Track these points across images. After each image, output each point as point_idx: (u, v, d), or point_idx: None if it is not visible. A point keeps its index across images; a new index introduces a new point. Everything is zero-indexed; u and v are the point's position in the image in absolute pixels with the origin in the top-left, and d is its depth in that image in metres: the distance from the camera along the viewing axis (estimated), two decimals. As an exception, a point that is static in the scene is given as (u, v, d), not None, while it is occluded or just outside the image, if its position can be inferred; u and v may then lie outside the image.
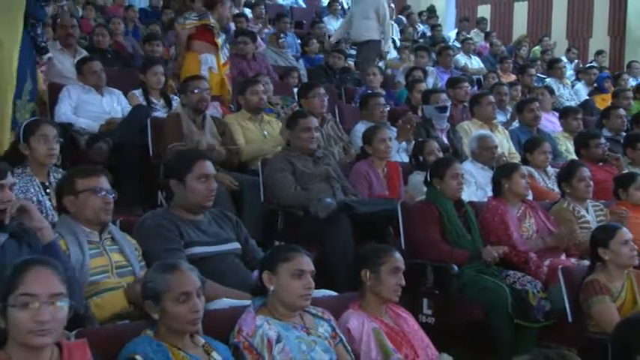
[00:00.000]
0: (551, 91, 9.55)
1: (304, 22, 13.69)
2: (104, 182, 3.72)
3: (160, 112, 6.70)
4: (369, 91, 8.32)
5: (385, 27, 10.11)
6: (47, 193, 4.37)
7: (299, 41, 11.79)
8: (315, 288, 3.41)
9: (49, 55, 6.81)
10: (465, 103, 8.17)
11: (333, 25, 12.93)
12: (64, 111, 6.44)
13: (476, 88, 10.16)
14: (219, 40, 7.47)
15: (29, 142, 4.43)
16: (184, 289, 2.95)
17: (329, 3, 14.40)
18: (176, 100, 6.88)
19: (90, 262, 3.56)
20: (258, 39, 10.17)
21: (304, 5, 15.29)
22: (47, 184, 4.43)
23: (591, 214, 5.57)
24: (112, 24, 9.74)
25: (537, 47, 15.31)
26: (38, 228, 3.34)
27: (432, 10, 16.62)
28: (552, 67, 11.68)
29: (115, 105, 6.73)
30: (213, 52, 7.41)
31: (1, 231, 3.31)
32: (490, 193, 5.59)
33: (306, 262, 3.34)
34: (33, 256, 2.98)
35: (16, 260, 2.71)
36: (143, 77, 6.96)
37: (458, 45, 13.45)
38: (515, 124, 8.02)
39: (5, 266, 2.68)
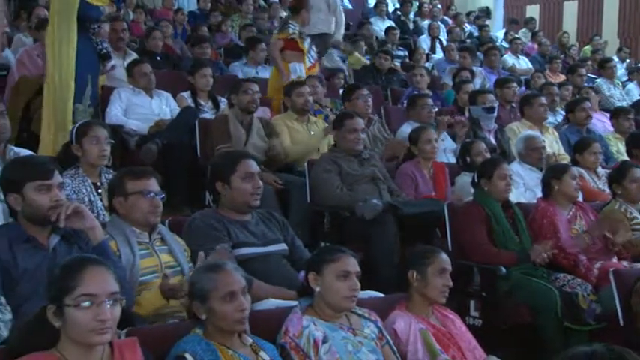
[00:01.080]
0: (597, 91, 9.43)
1: (351, 23, 13.67)
2: (153, 184, 3.76)
3: (208, 114, 6.77)
4: (416, 92, 8.29)
5: (337, 16, 9.58)
6: (99, 194, 4.44)
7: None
8: (361, 289, 3.40)
9: (112, 62, 6.96)
10: (513, 104, 8.11)
11: (379, 25, 12.92)
12: (115, 113, 6.54)
13: (524, 88, 10.05)
14: (305, 45, 7.56)
15: (81, 143, 4.51)
16: (230, 288, 2.97)
17: (376, 4, 14.38)
18: (223, 102, 6.94)
19: (140, 262, 3.60)
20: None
21: (351, 6, 15.25)
22: (99, 184, 4.50)
23: (643, 216, 5.48)
24: (161, 27, 9.86)
25: (588, 47, 15.14)
26: (90, 228, 3.39)
27: (483, 11, 16.42)
28: (603, 66, 11.47)
29: (163, 107, 6.81)
30: (300, 60, 7.52)
31: (54, 233, 3.38)
32: (539, 195, 5.53)
33: (352, 263, 3.33)
34: (85, 255, 3.03)
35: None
36: (192, 79, 7.03)
37: (506, 45, 13.33)
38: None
39: (56, 267, 2.73)
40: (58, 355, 2.55)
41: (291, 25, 7.57)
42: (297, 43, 7.57)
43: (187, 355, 2.85)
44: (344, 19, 9.53)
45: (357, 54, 10.77)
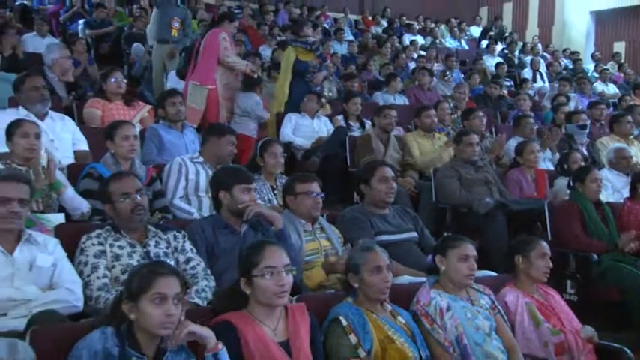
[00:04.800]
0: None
1: (467, 60, 13.43)
2: (316, 187, 3.82)
3: (356, 133, 6.79)
4: (520, 113, 8.04)
5: (187, 30, 8.40)
6: (275, 194, 4.54)
7: (462, 75, 11.57)
8: (478, 269, 3.34)
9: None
10: (602, 122, 7.77)
11: (490, 61, 12.60)
12: (287, 133, 6.68)
13: (611, 109, 9.57)
14: None
15: (263, 156, 4.62)
16: (378, 263, 2.99)
17: (487, 45, 14.06)
18: (368, 123, 6.95)
19: (305, 246, 3.67)
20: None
21: (467, 47, 15.00)
22: (274, 187, 4.60)
23: None
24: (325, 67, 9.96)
25: (667, 75, 14.25)
26: (273, 219, 3.50)
27: (574, 51, 15.70)
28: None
29: (322, 127, 6.89)
30: None
31: (244, 222, 3.50)
32: (625, 196, 5.28)
33: (471, 249, 3.27)
34: (264, 238, 3.15)
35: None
36: (345, 106, 7.08)
37: (596, 75, 12.77)
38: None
39: (243, 249, 2.82)
40: (248, 314, 2.64)
41: None
42: None
43: (341, 318, 2.88)
44: (190, 34, 8.50)
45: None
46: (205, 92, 6.49)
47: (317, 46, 7.23)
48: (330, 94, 7.82)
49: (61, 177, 3.93)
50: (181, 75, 7.03)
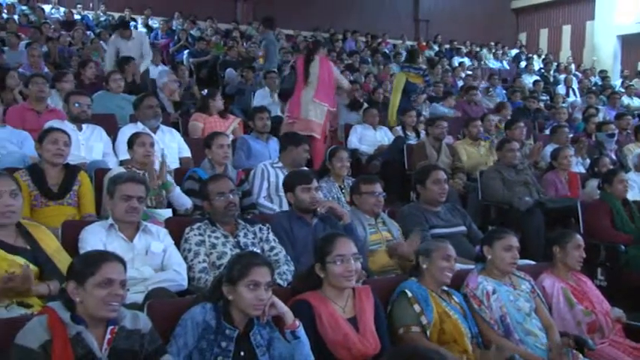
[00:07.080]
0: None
1: (508, 78, 13.07)
2: (378, 187, 3.77)
3: (412, 141, 6.69)
4: (556, 124, 7.75)
5: (146, 58, 7.86)
6: (343, 193, 4.50)
7: (505, 92, 11.25)
8: (519, 258, 3.22)
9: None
10: (629, 131, 7.43)
11: (528, 79, 12.21)
12: (353, 141, 6.66)
13: (636, 120, 9.11)
14: None
15: (332, 162, 4.59)
16: (449, 252, 2.94)
17: (526, 65, 13.64)
18: (422, 133, 6.84)
19: (369, 237, 3.62)
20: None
21: (508, 67, 14.59)
22: (342, 186, 4.56)
23: None
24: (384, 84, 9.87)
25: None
26: (342, 215, 3.47)
27: (602, 70, 15.05)
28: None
29: (383, 136, 6.82)
30: None
31: (314, 216, 3.48)
32: (650, 195, 5.03)
33: (514, 240, 3.16)
34: (335, 231, 3.11)
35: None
36: (403, 118, 6.99)
37: (623, 90, 12.21)
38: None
39: (317, 239, 2.80)
40: (322, 294, 2.63)
41: None
42: None
43: (407, 291, 2.85)
44: (150, 55, 8.11)
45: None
46: (325, 109, 6.26)
47: (427, 72, 7.51)
48: (425, 113, 7.80)
49: (169, 178, 4.02)
50: (287, 93, 6.73)
